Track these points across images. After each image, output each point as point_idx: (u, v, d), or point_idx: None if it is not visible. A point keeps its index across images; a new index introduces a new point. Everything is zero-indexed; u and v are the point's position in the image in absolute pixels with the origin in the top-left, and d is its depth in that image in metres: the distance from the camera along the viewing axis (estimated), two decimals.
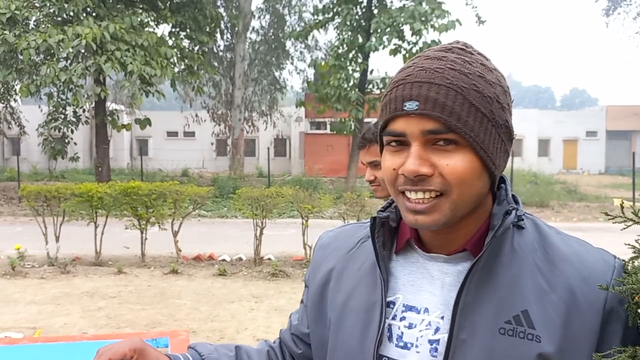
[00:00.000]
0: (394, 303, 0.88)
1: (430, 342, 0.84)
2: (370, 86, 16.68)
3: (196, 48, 18.15)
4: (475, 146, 0.78)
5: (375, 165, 1.97)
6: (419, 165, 0.78)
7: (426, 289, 0.87)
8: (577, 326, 0.80)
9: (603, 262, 0.84)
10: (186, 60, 17.03)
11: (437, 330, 0.84)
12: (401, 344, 0.86)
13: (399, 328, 0.87)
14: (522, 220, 0.87)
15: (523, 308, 0.80)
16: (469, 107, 0.78)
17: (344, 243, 1.01)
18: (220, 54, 24.76)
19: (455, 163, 0.78)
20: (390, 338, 0.87)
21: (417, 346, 0.84)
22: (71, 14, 14.88)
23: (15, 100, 22.87)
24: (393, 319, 0.88)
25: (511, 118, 0.84)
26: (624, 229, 0.85)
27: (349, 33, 15.49)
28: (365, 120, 15.41)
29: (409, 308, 0.87)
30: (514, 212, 0.84)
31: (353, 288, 0.93)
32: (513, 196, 0.89)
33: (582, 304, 0.80)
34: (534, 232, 0.87)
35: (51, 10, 14.51)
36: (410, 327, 0.86)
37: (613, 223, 0.85)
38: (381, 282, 0.89)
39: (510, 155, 0.88)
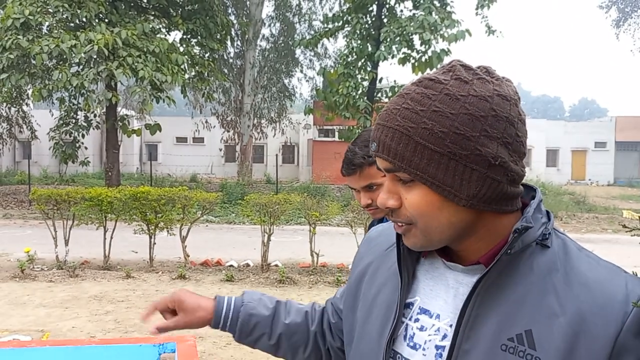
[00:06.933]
0: (412, 304, 0.92)
1: (437, 347, 0.86)
2: (379, 95, 16.69)
3: (207, 55, 18.26)
4: (425, 182, 0.81)
5: (370, 188, 1.81)
6: (387, 199, 0.86)
7: (441, 296, 0.89)
8: (583, 354, 0.77)
9: (625, 292, 0.80)
10: (197, 67, 17.13)
11: (444, 337, 0.86)
12: (411, 344, 0.90)
13: (412, 328, 0.90)
14: (547, 238, 0.85)
15: (527, 327, 0.80)
16: (414, 147, 0.80)
17: (385, 240, 1.06)
18: (231, 61, 24.92)
19: (412, 197, 0.83)
20: (405, 337, 0.91)
21: (424, 349, 0.88)
22: (84, 20, 15.05)
23: (27, 105, 23.10)
24: (410, 319, 0.91)
25: (495, 142, 0.80)
26: None
27: (359, 42, 15.52)
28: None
29: (424, 311, 0.90)
30: (530, 230, 0.83)
31: (382, 284, 0.99)
32: (547, 212, 0.88)
33: (591, 332, 0.77)
34: (560, 252, 0.85)
35: (64, 16, 14.67)
36: (421, 329, 0.89)
37: (632, 236, 0.84)
38: (400, 283, 0.93)
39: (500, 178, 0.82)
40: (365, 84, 15.84)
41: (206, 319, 1.15)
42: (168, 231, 8.44)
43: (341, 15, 16.17)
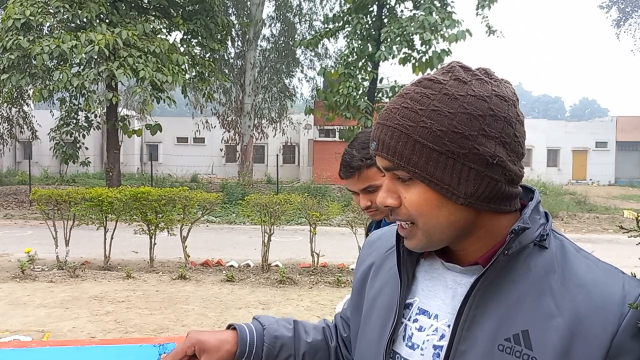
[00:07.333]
0: (412, 305, 0.93)
1: (435, 347, 0.87)
2: (380, 95, 16.71)
3: (207, 55, 18.28)
4: (424, 180, 0.82)
5: (370, 190, 1.77)
6: (386, 197, 0.86)
7: (440, 297, 0.90)
8: (579, 355, 0.77)
9: (622, 293, 0.80)
10: (197, 67, 17.15)
11: (442, 337, 0.87)
12: (409, 344, 0.90)
13: (411, 329, 0.91)
14: (545, 239, 0.85)
15: (524, 328, 0.80)
16: (413, 145, 0.81)
17: (385, 242, 1.07)
18: (231, 61, 24.93)
19: (411, 196, 0.84)
20: (404, 337, 0.92)
21: (422, 349, 0.88)
22: (85, 20, 15.06)
23: (27, 105, 23.11)
24: (409, 319, 0.92)
25: (493, 142, 0.81)
26: None
27: (359, 42, 15.53)
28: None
29: (422, 312, 0.91)
30: (528, 231, 0.83)
31: (383, 286, 1.01)
32: (545, 213, 0.88)
33: (588, 333, 0.78)
34: (558, 253, 0.85)
35: (65, 17, 14.68)
36: (420, 329, 0.90)
37: (629, 237, 0.84)
38: (400, 284, 0.94)
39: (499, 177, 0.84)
40: (366, 84, 15.84)
41: (232, 351, 1.09)
42: (168, 231, 8.44)
43: (341, 15, 16.17)
